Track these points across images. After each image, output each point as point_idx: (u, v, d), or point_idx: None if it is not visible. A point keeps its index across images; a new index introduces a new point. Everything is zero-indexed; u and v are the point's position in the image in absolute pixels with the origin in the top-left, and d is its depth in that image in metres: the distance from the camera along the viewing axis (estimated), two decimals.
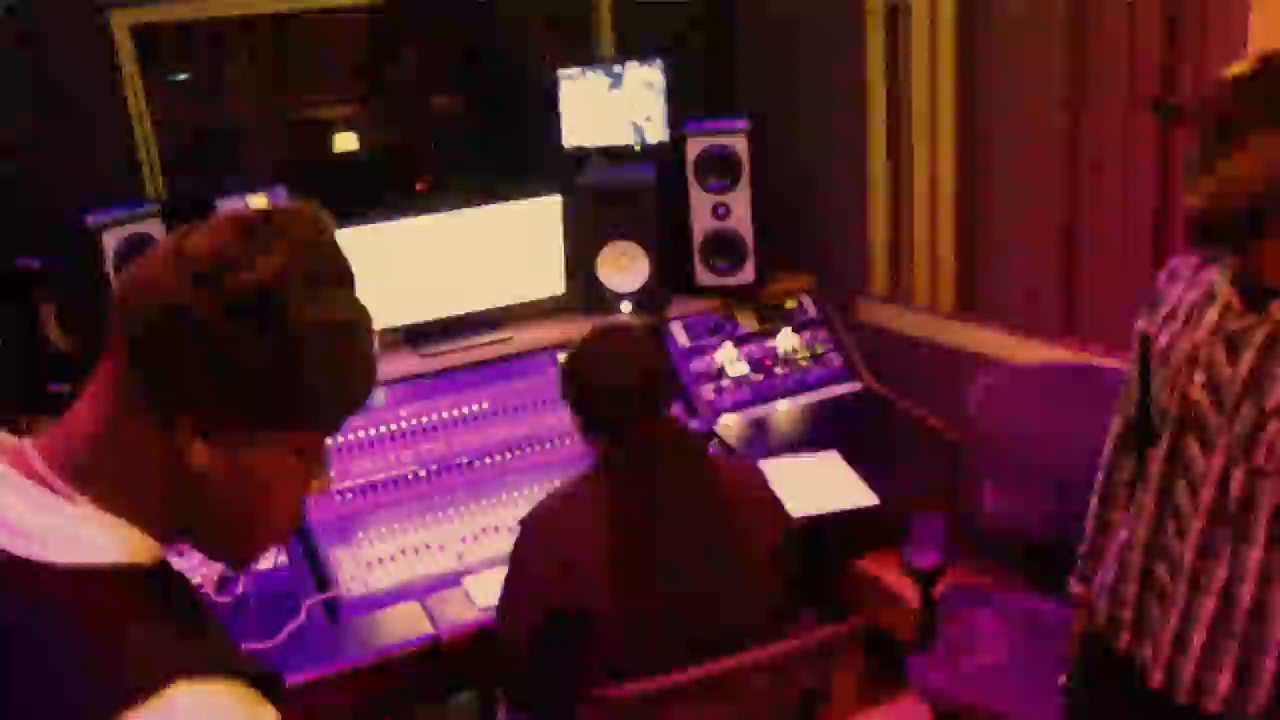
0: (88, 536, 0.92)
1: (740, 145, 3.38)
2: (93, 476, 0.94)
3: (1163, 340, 1.82)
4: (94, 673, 0.87)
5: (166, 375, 0.93)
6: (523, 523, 2.06)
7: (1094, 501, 2.10)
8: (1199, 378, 1.72)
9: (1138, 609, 1.86)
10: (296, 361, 0.93)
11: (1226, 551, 1.71)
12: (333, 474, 1.05)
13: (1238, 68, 1.62)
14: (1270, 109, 1.56)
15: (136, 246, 2.76)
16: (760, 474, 2.24)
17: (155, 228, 2.81)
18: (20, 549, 0.90)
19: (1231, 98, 1.60)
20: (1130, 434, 2.01)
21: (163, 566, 1.00)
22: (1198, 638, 1.76)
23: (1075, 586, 2.13)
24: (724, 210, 3.44)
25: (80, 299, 2.77)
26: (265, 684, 0.96)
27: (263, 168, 5.67)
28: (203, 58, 5.49)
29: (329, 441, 1.06)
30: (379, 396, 3.09)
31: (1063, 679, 2.16)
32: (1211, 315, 1.73)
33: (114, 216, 2.74)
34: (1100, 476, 2.09)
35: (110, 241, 2.71)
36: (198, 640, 0.96)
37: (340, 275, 0.98)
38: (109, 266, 2.71)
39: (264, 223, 0.95)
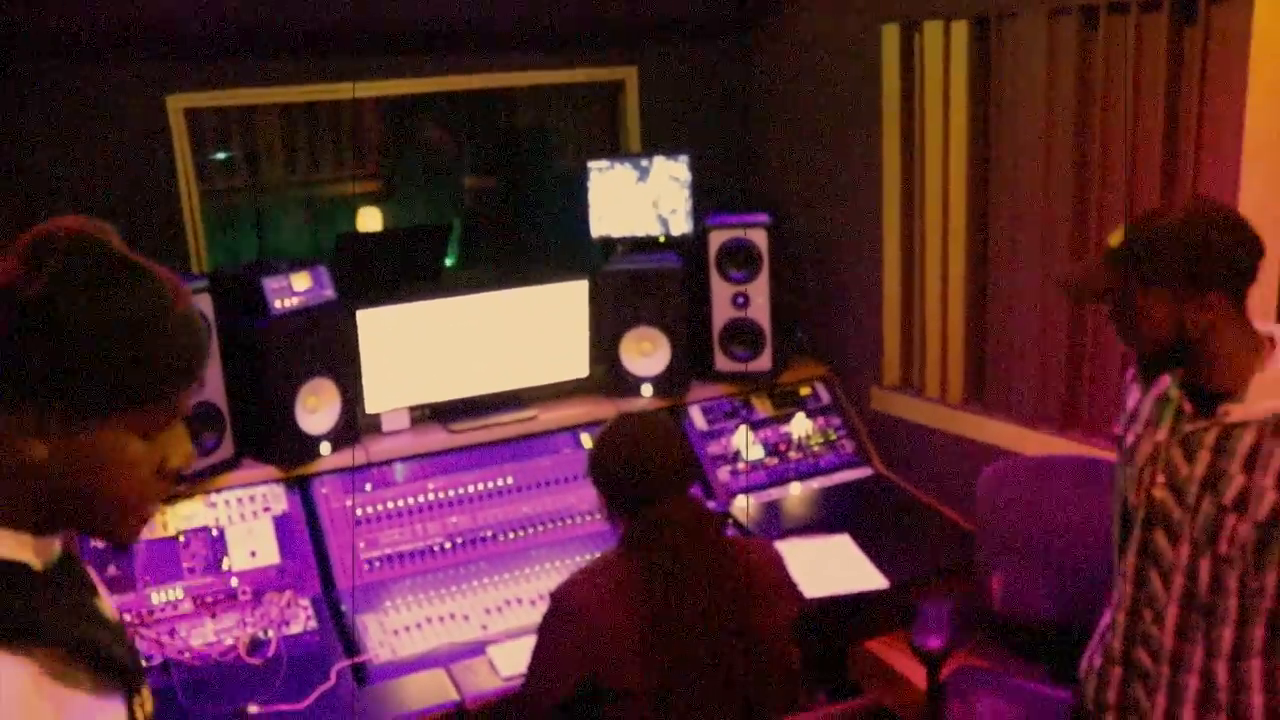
0: None
1: (761, 239, 3.53)
2: None
3: (1129, 439, 2.02)
4: None
5: None
6: (552, 595, 2.16)
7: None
8: (1160, 478, 1.91)
9: (1122, 691, 2.01)
10: (94, 354, 1.07)
11: (1201, 634, 1.88)
12: (191, 450, 1.19)
13: (1114, 238, 1.87)
14: (1146, 274, 1.80)
15: None
16: (776, 553, 2.34)
17: (204, 301, 2.94)
18: None
19: (1117, 269, 1.84)
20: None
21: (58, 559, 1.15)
22: (1187, 715, 1.91)
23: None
24: (743, 300, 3.58)
25: None
26: (117, 670, 1.13)
27: (296, 242, 5.87)
28: (237, 139, 5.72)
29: (176, 417, 1.16)
30: (401, 471, 3.21)
31: None
32: (1168, 419, 1.92)
33: None
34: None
35: None
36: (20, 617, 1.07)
37: (115, 272, 1.10)
38: None
39: (42, 241, 1.09)
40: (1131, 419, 2.04)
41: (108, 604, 1.23)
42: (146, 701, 1.21)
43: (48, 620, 1.09)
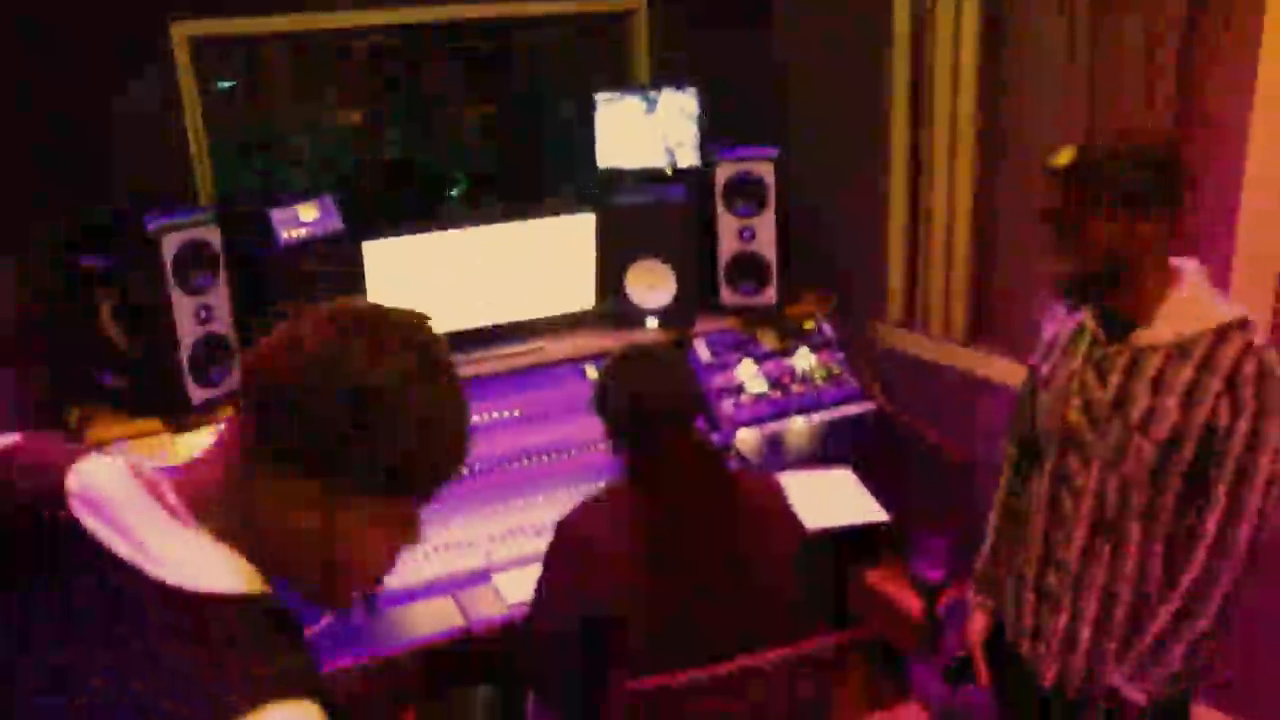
0: (209, 566, 1.08)
1: (768, 173, 3.52)
2: (213, 513, 1.11)
3: (1044, 370, 2.10)
4: (200, 690, 1.00)
5: (280, 442, 1.10)
6: (558, 526, 2.20)
7: (994, 518, 2.31)
8: (1075, 401, 1.99)
9: (1036, 616, 2.11)
10: (390, 443, 1.10)
11: (1105, 555, 1.97)
12: (420, 531, 1.22)
13: (1061, 158, 1.89)
14: (1098, 194, 1.84)
15: (194, 251, 2.90)
16: (778, 486, 2.37)
17: (212, 234, 2.95)
18: (151, 570, 1.05)
19: (1066, 188, 1.87)
20: (1023, 456, 2.24)
21: (271, 595, 1.13)
22: (1084, 636, 2.01)
23: (976, 596, 2.32)
24: (750, 234, 3.58)
25: (138, 298, 2.92)
26: (331, 708, 1.11)
27: (301, 173, 5.83)
28: (240, 67, 5.64)
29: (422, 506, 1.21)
30: None
31: (947, 663, 2.37)
32: (1083, 347, 2.00)
33: (173, 222, 2.88)
34: (999, 496, 2.31)
35: (169, 246, 2.85)
36: (294, 663, 1.08)
37: (436, 375, 1.13)
38: (167, 268, 2.85)
39: (369, 324, 1.12)
40: (1048, 350, 2.11)
41: None
42: None
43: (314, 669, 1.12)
